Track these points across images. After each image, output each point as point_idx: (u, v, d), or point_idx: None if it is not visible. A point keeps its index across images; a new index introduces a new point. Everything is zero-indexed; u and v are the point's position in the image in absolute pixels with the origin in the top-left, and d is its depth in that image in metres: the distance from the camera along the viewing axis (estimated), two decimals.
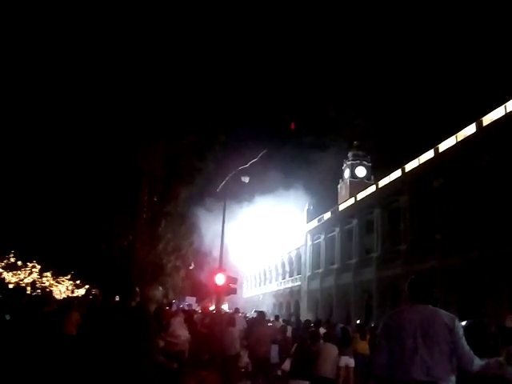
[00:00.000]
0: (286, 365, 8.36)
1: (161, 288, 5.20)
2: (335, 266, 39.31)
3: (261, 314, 11.13)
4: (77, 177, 22.11)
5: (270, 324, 13.13)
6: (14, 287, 14.56)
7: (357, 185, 48.37)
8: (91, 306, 11.63)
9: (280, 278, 54.25)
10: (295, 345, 8.31)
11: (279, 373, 8.50)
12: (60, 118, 21.65)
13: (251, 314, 24.21)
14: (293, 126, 47.15)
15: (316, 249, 45.36)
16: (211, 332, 10.00)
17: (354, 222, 37.11)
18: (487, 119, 22.98)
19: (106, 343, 3.96)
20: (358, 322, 18.43)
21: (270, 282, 56.93)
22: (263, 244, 52.66)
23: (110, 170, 22.01)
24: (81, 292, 44.39)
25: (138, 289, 4.63)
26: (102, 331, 4.18)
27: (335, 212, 42.14)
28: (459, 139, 25.05)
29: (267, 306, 49.84)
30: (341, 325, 14.46)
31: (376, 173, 48.18)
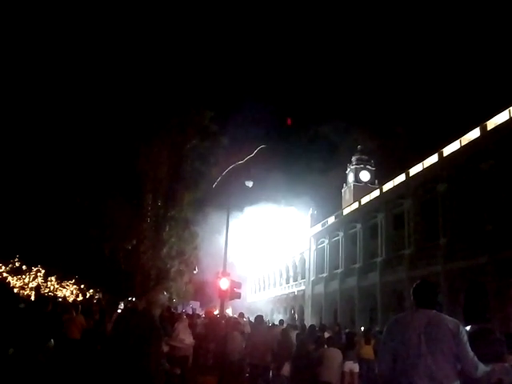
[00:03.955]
0: (286, 369, 8.28)
1: (166, 293, 5.23)
2: (339, 271, 39.20)
3: (259, 318, 10.73)
4: (81, 181, 22.17)
5: (273, 327, 13.05)
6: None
7: (361, 189, 48.28)
8: (102, 312, 11.62)
9: (284, 282, 54.14)
10: (295, 350, 8.22)
11: (285, 373, 8.34)
12: (67, 123, 21.74)
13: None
14: (289, 121, 47.03)
15: (320, 253, 45.27)
16: (211, 335, 9.92)
17: (358, 226, 37.04)
18: (491, 123, 22.93)
19: (114, 348, 3.97)
20: (362, 328, 18.31)
21: (274, 287, 56.83)
22: (267, 248, 52.64)
23: (114, 174, 22.07)
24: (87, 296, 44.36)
25: (145, 294, 4.66)
26: (110, 336, 4.20)
27: (339, 216, 42.08)
28: (463, 143, 25.00)
29: (271, 311, 49.77)
30: (347, 330, 14.34)
31: (380, 177, 48.10)
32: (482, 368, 3.14)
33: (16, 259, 41.88)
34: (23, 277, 43.33)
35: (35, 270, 44.28)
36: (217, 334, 9.83)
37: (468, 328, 3.45)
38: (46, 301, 7.59)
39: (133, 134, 21.95)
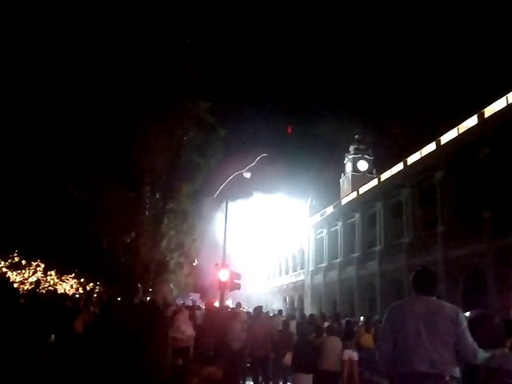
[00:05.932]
0: (287, 359, 8.35)
1: (171, 285, 5.23)
2: (338, 260, 39.35)
3: (257, 309, 10.85)
4: (79, 175, 22.12)
5: (273, 318, 13.12)
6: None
7: (359, 179, 48.31)
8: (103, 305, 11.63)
9: (283, 272, 54.35)
10: (297, 339, 8.30)
11: (286, 362, 8.41)
12: (64, 117, 21.58)
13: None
14: (290, 130, 47.26)
15: (319, 243, 45.40)
16: (210, 326, 9.94)
17: (357, 215, 37.12)
18: (489, 111, 22.90)
19: (110, 342, 3.95)
20: (361, 318, 18.34)
21: (274, 277, 57.04)
22: (266, 239, 52.77)
23: (112, 167, 22.00)
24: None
25: (139, 285, 4.63)
26: (107, 330, 4.18)
27: (338, 206, 42.15)
28: (461, 131, 24.98)
29: (271, 301, 49.97)
30: (346, 319, 14.39)
31: (378, 166, 48.08)
32: (481, 354, 3.15)
33: (15, 254, 41.86)
34: (23, 272, 43.34)
35: (35, 264, 44.28)
36: (216, 325, 9.86)
37: (467, 314, 3.46)
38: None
39: (130, 125, 21.83)
